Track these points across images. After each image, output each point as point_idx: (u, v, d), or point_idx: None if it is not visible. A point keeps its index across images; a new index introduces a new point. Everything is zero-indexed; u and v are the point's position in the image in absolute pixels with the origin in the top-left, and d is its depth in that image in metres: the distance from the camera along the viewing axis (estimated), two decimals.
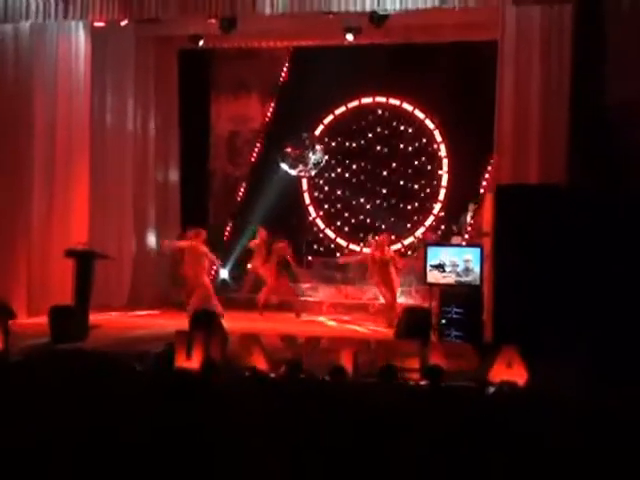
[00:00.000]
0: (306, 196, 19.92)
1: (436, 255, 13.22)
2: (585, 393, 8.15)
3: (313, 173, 18.95)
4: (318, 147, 18.52)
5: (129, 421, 5.81)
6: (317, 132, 19.49)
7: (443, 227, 18.68)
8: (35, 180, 15.81)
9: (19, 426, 5.65)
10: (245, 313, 16.80)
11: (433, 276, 13.17)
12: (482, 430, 5.66)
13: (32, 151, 15.77)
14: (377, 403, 6.61)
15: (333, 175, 19.73)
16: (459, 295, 13.05)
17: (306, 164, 18.40)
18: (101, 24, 16.28)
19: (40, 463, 5.02)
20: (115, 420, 5.81)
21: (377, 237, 16.36)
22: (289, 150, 18.51)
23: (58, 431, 5.55)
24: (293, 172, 18.64)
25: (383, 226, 18.85)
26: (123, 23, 16.25)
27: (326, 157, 18.82)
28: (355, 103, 19.64)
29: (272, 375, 9.18)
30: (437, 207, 19.03)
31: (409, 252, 18.63)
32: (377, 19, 15.08)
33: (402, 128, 19.32)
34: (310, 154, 18.44)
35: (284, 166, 18.45)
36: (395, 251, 17.07)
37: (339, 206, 19.71)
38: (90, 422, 5.81)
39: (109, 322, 15.15)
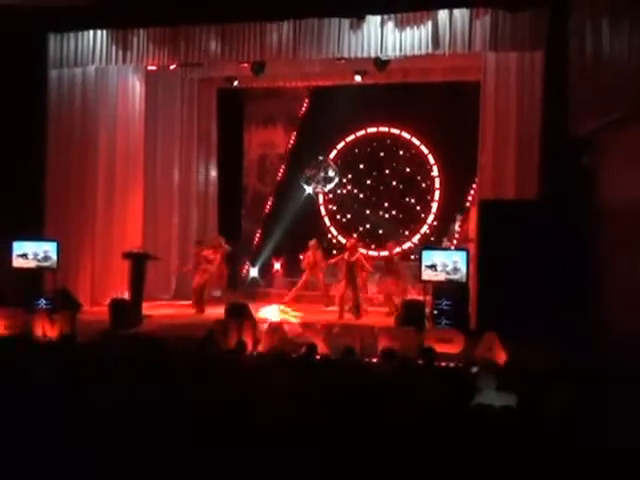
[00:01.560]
0: (322, 208, 19.88)
1: (430, 257, 13.18)
2: (553, 367, 8.13)
3: (326, 189, 19.00)
4: (330, 168, 18.59)
5: (176, 392, 5.78)
6: (331, 156, 19.48)
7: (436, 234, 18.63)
8: (99, 196, 15.91)
9: (85, 398, 5.64)
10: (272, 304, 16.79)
11: (427, 274, 13.12)
12: (467, 398, 5.63)
13: (97, 173, 15.89)
14: (380, 378, 6.59)
15: (344, 191, 19.68)
16: (449, 290, 13.00)
17: (318, 182, 18.53)
18: (153, 68, 16.38)
19: (100, 428, 5.00)
20: (164, 391, 5.80)
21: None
22: (306, 171, 18.63)
23: (117, 401, 5.54)
24: (309, 188, 18.76)
25: (381, 231, 18.83)
26: (172, 67, 16.34)
27: (337, 177, 18.91)
28: (362, 132, 19.57)
29: (293, 355, 9.17)
30: (430, 218, 18.96)
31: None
32: (380, 63, 15.08)
33: (401, 152, 19.24)
34: (321, 174, 18.54)
35: (302, 183, 18.62)
36: (365, 255, 16.68)
37: (349, 217, 19.68)
38: (143, 394, 5.78)
39: (159, 312, 15.15)
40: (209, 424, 4.90)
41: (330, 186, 18.99)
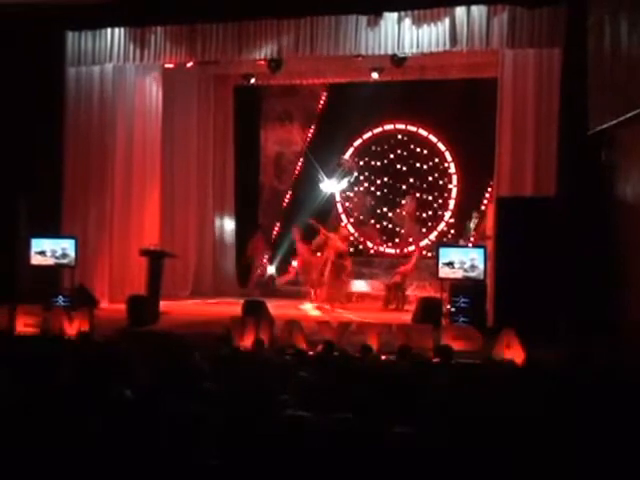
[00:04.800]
0: (339, 206, 19.87)
1: (447, 255, 13.14)
2: (569, 365, 8.09)
3: (341, 187, 19.19)
4: (343, 167, 18.83)
5: (191, 388, 5.80)
6: (348, 154, 19.52)
7: (453, 231, 18.59)
8: (116, 193, 15.94)
9: (102, 392, 5.65)
10: (288, 301, 16.78)
11: (444, 272, 13.07)
12: (484, 395, 5.60)
13: (114, 170, 15.92)
14: (397, 375, 6.57)
15: (361, 189, 19.68)
16: (466, 287, 12.96)
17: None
18: (170, 66, 16.40)
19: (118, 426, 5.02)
20: (180, 387, 5.81)
21: None
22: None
23: (135, 398, 5.55)
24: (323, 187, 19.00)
25: (402, 231, 18.87)
26: (189, 65, 16.38)
27: (349, 177, 19.06)
28: (379, 129, 19.55)
29: (310, 353, 9.16)
30: (447, 215, 18.94)
31: (424, 252, 18.50)
32: (397, 60, 15.07)
33: (418, 150, 19.21)
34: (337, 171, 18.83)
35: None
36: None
37: (366, 214, 19.69)
38: (160, 389, 5.79)
39: (176, 309, 15.18)
40: (225, 422, 4.90)
41: (342, 184, 19.14)
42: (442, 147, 19.05)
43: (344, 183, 19.22)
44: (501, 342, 10.02)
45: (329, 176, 19.05)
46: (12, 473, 4.59)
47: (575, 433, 4.89)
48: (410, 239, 17.73)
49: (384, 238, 19.08)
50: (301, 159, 20.14)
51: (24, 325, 11.86)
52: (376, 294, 17.48)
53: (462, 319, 12.62)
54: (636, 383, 6.40)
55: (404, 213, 18.48)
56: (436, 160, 19.13)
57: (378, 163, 19.58)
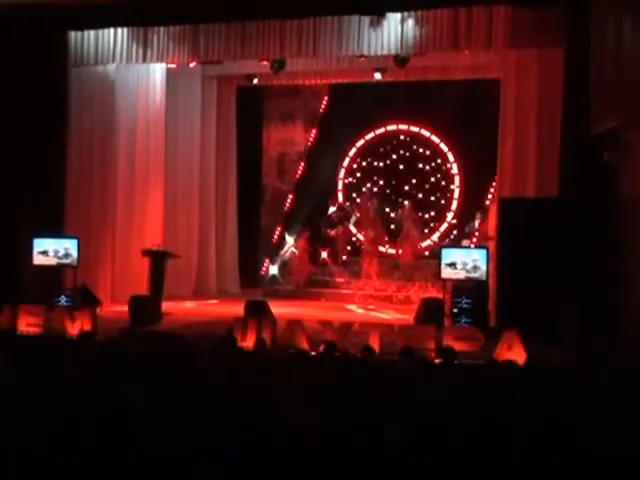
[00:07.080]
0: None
1: (449, 255, 13.12)
2: (571, 366, 8.08)
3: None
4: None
5: (194, 389, 5.79)
6: (350, 153, 19.55)
7: (455, 232, 18.56)
8: (119, 193, 15.96)
9: (106, 392, 5.64)
10: (290, 301, 16.76)
11: (446, 272, 13.04)
12: (488, 398, 5.58)
13: (117, 170, 15.92)
14: (400, 376, 6.56)
15: (363, 189, 19.65)
16: (468, 288, 12.93)
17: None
18: (173, 66, 16.37)
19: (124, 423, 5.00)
20: (182, 388, 5.80)
21: None
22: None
23: (144, 397, 5.55)
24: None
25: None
26: (192, 65, 16.34)
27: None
28: (382, 130, 19.55)
29: (312, 353, 9.15)
30: (450, 216, 18.92)
31: (426, 253, 18.49)
32: (400, 61, 15.04)
33: (420, 150, 19.21)
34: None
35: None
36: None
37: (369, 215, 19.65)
38: (162, 390, 5.78)
39: (178, 309, 15.16)
40: (229, 423, 4.89)
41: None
42: (444, 148, 19.04)
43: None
44: (503, 343, 10.01)
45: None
46: (13, 473, 4.58)
47: (576, 434, 4.87)
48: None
49: (386, 239, 19.00)
50: (303, 159, 20.12)
51: (26, 325, 11.85)
52: (378, 294, 17.45)
53: (464, 320, 12.60)
54: (639, 384, 6.37)
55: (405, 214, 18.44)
56: (438, 161, 19.13)
57: (380, 164, 19.57)
